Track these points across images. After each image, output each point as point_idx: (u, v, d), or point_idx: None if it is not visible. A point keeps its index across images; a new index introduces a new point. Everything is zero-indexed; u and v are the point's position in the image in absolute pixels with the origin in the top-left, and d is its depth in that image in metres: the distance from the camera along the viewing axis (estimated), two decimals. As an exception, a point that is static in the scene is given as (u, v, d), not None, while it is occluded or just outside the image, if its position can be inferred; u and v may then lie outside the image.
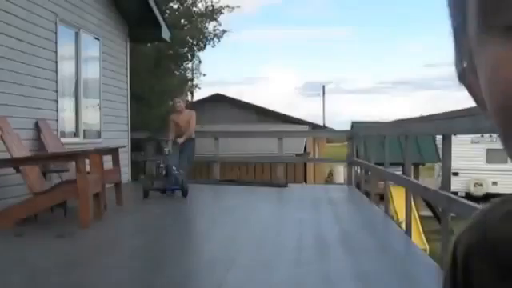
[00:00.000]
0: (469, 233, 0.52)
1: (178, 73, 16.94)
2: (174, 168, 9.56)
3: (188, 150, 10.05)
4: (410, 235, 6.61)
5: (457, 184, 18.43)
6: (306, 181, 18.93)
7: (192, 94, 18.85)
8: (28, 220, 6.79)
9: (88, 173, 6.98)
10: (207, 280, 4.79)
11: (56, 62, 8.96)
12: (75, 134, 9.94)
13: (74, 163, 7.16)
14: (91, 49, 10.57)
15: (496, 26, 0.39)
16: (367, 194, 10.40)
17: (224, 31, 16.52)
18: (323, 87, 43.81)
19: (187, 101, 10.28)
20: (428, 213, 18.42)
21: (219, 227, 7.34)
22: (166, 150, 9.96)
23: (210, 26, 16.50)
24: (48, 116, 8.67)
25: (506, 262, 0.47)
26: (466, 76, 0.45)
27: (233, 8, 16.85)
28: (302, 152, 19.69)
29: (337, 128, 23.99)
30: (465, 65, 0.46)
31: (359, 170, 12.38)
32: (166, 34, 12.29)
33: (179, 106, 10.06)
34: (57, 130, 8.97)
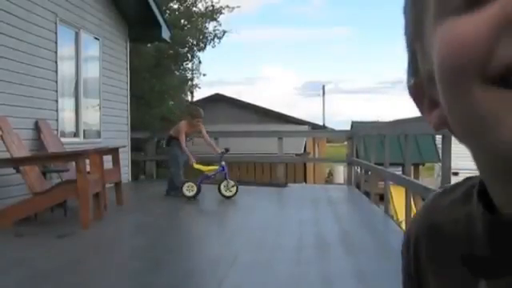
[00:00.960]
0: (420, 218, 0.60)
1: (177, 73, 16.93)
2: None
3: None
4: (409, 235, 6.60)
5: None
6: (305, 181, 18.94)
7: (192, 93, 18.84)
8: (28, 220, 6.79)
9: (88, 173, 6.99)
10: (207, 280, 4.79)
11: (56, 62, 8.96)
12: (75, 134, 9.94)
13: (74, 163, 7.16)
14: (91, 49, 10.58)
15: (453, 6, 0.43)
16: (367, 193, 10.41)
17: (224, 31, 16.52)
18: (323, 87, 43.73)
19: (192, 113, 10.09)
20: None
21: (219, 227, 7.34)
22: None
23: (210, 26, 16.51)
24: (48, 116, 8.67)
25: (446, 247, 0.54)
26: (415, 88, 0.52)
27: (233, 8, 16.85)
28: (302, 152, 19.70)
29: (336, 128, 24.01)
30: (413, 80, 0.51)
31: (359, 170, 12.39)
32: (165, 33, 12.29)
33: (198, 126, 10.04)
34: (57, 129, 8.97)
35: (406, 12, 0.52)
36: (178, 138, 9.85)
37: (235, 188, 9.62)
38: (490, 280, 0.49)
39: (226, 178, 9.71)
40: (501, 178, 0.47)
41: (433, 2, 0.46)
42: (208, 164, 10.18)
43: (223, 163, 9.87)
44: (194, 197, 9.47)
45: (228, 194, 9.61)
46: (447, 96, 0.45)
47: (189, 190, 9.53)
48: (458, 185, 0.59)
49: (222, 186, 9.66)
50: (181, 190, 9.61)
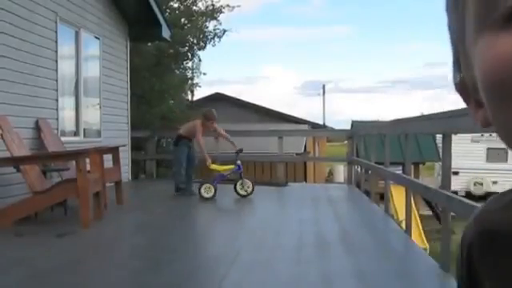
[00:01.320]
0: (472, 224, 0.57)
1: (178, 72, 16.94)
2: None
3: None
4: (409, 234, 6.61)
5: (457, 183, 18.43)
6: (306, 180, 18.95)
7: (192, 92, 18.85)
8: (28, 219, 6.79)
9: (88, 172, 6.98)
10: (208, 279, 4.80)
11: (56, 61, 8.96)
12: (75, 133, 9.94)
13: (74, 162, 7.16)
14: (91, 48, 10.57)
15: (491, 21, 0.43)
16: (367, 193, 10.41)
17: (224, 30, 16.53)
18: (323, 86, 43.80)
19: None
20: (428, 212, 18.43)
21: (219, 226, 7.35)
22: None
23: (211, 25, 16.51)
24: (48, 115, 8.67)
25: (502, 250, 0.52)
26: (461, 86, 0.51)
27: (233, 7, 16.86)
28: (302, 151, 19.71)
29: (337, 127, 24.01)
30: (459, 76, 0.51)
31: (359, 169, 12.39)
32: (166, 33, 12.29)
33: (212, 127, 10.05)
34: (57, 128, 8.97)
35: (448, 11, 0.52)
36: (188, 138, 9.83)
37: (251, 187, 9.62)
38: None
39: (241, 177, 9.70)
40: None
41: (472, 14, 0.46)
42: (222, 163, 10.21)
43: (239, 162, 9.87)
44: (212, 197, 9.40)
45: (244, 193, 9.60)
46: (491, 107, 0.46)
47: (206, 191, 9.47)
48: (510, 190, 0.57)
49: (237, 185, 9.65)
50: (187, 189, 9.66)
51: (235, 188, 9.61)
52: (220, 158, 11.00)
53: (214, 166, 9.92)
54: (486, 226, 0.55)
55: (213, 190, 9.45)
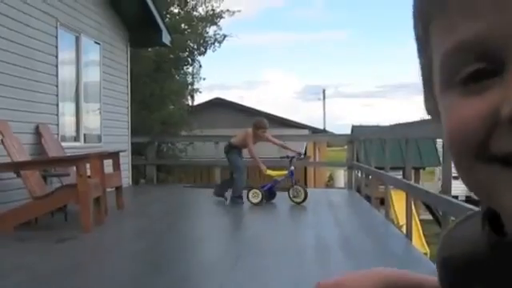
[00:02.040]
0: (439, 249, 0.63)
1: (178, 77, 16.96)
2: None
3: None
4: (410, 239, 6.60)
5: (457, 188, 18.41)
6: (306, 185, 18.91)
7: (192, 98, 18.87)
8: (28, 224, 6.79)
9: (89, 177, 6.99)
10: (207, 284, 4.79)
11: (56, 67, 8.98)
12: (76, 139, 9.94)
13: (74, 167, 7.16)
14: (92, 53, 10.59)
15: (453, 83, 0.48)
16: (368, 197, 10.40)
17: (225, 36, 16.56)
18: (323, 91, 43.83)
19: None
20: (428, 216, 18.41)
21: (219, 230, 7.34)
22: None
23: (211, 30, 16.54)
24: (48, 120, 8.68)
25: (457, 276, 0.58)
26: (432, 112, 0.55)
27: (233, 12, 16.90)
28: (303, 156, 19.68)
29: (337, 132, 24.01)
30: (430, 104, 0.55)
31: (359, 174, 12.38)
32: (166, 38, 12.31)
33: (263, 136, 9.78)
34: (57, 134, 8.98)
35: (418, 51, 0.55)
36: (238, 148, 9.73)
37: (303, 194, 9.38)
38: None
39: (293, 184, 9.52)
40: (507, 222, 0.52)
41: (438, 72, 0.50)
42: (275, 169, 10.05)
43: (292, 168, 9.68)
44: (259, 203, 9.29)
45: (297, 200, 9.36)
46: (455, 161, 0.51)
47: (254, 196, 9.37)
48: (472, 215, 0.62)
49: (290, 192, 9.47)
50: (220, 194, 9.63)
51: (289, 195, 9.41)
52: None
53: (269, 172, 9.79)
54: (446, 254, 0.61)
55: (260, 196, 9.33)
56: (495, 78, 0.45)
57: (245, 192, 9.47)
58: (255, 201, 9.32)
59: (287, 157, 9.90)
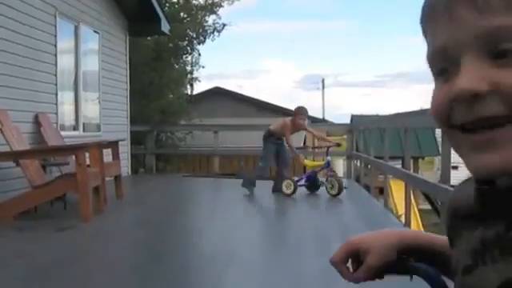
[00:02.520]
0: (448, 199, 0.83)
1: (177, 66, 16.93)
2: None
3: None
4: (409, 228, 6.62)
5: (456, 177, 18.41)
6: (304, 171, 18.91)
7: (192, 87, 18.84)
8: (28, 213, 6.80)
9: (88, 166, 6.99)
10: (207, 273, 4.80)
11: (55, 56, 8.96)
12: (75, 128, 9.94)
13: (73, 156, 7.16)
14: (91, 42, 10.56)
15: (434, 75, 0.68)
16: (367, 187, 10.42)
17: (224, 25, 16.51)
18: (323, 80, 43.70)
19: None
20: (427, 206, 18.45)
21: (219, 221, 7.35)
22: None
23: (210, 19, 16.49)
24: (48, 109, 8.67)
25: (459, 222, 0.76)
26: None
27: (233, 1, 16.84)
28: (302, 145, 19.68)
29: (336, 121, 23.98)
30: None
31: (359, 164, 12.40)
32: (165, 27, 12.27)
33: (301, 125, 9.55)
34: (56, 123, 8.97)
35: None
36: (276, 136, 9.52)
37: (337, 186, 9.04)
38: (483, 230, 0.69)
39: (329, 175, 9.30)
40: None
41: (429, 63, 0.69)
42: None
43: (329, 158, 9.50)
44: (291, 194, 9.14)
45: (332, 192, 9.07)
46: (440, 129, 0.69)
47: (287, 187, 9.23)
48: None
49: (327, 185, 9.20)
50: (275, 187, 9.46)
51: (326, 187, 9.19)
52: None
53: (306, 162, 9.67)
54: (452, 203, 0.80)
55: (292, 187, 9.15)
56: (454, 70, 0.64)
57: (266, 183, 9.42)
58: (288, 192, 9.16)
59: (327, 147, 9.75)
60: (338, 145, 9.84)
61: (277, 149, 9.54)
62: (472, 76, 0.62)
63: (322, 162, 9.56)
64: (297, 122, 9.39)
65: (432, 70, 0.68)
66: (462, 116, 0.64)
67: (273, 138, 9.53)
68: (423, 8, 0.69)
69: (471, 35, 0.62)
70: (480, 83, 0.61)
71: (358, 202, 9.27)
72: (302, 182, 9.50)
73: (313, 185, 9.47)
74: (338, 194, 9.00)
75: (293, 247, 5.67)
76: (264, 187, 10.67)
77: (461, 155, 0.66)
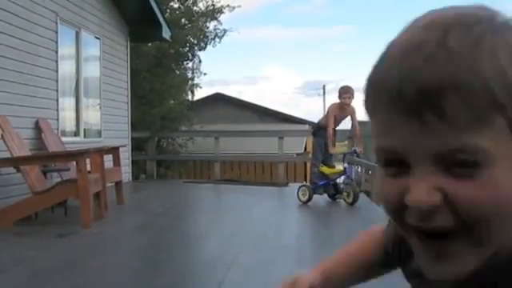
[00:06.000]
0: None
1: (178, 72, 16.93)
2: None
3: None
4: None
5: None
6: (306, 180, 18.91)
7: (193, 93, 18.84)
8: (28, 219, 6.79)
9: (89, 172, 6.98)
10: (208, 279, 4.79)
11: (57, 62, 8.96)
12: (76, 134, 9.94)
13: (74, 162, 7.16)
14: (92, 48, 10.57)
15: (380, 164, 0.66)
16: (368, 193, 10.40)
17: (225, 31, 16.52)
18: (324, 86, 43.71)
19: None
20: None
21: (220, 226, 7.34)
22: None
23: (211, 25, 16.50)
24: (48, 115, 8.67)
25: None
26: None
27: (233, 7, 16.85)
28: (303, 151, 19.70)
29: (337, 127, 23.97)
30: None
31: (360, 169, 12.38)
32: (166, 33, 12.29)
33: (348, 109, 8.80)
34: (57, 129, 8.97)
35: None
36: (325, 128, 8.77)
37: (352, 195, 8.58)
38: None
39: (345, 184, 8.85)
40: None
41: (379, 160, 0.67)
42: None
43: (346, 165, 8.96)
44: (307, 202, 8.78)
45: (348, 200, 8.65)
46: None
47: (303, 194, 8.88)
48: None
49: (344, 192, 8.76)
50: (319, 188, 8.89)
51: (342, 195, 8.79)
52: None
53: (323, 169, 8.91)
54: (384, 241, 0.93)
55: (307, 195, 8.79)
56: (403, 168, 0.62)
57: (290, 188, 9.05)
58: (303, 199, 8.81)
59: (344, 154, 9.22)
60: (355, 152, 9.28)
61: (325, 143, 8.86)
62: (428, 186, 0.60)
63: (340, 170, 9.04)
64: (343, 104, 8.68)
65: (377, 157, 0.66)
66: (416, 222, 0.62)
67: (322, 131, 8.84)
68: (376, 91, 0.63)
69: (435, 146, 0.59)
70: (434, 194, 0.60)
71: (359, 207, 9.23)
72: (319, 189, 9.00)
73: (333, 192, 8.99)
74: (354, 202, 8.58)
75: (293, 253, 5.66)
76: (260, 191, 10.65)
77: (418, 258, 0.65)
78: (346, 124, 9.38)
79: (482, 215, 0.59)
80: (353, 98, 8.71)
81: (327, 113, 8.92)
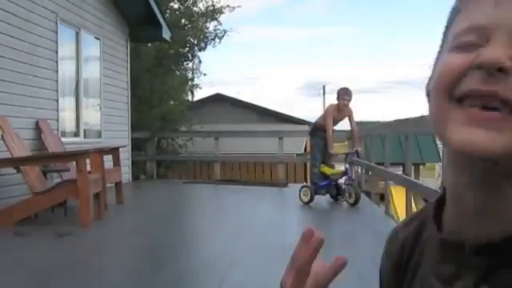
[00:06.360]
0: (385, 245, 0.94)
1: (178, 73, 16.93)
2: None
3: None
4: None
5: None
6: (306, 181, 18.92)
7: (193, 93, 18.85)
8: (28, 220, 6.80)
9: (89, 172, 6.99)
10: (208, 279, 4.79)
11: (57, 62, 8.97)
12: (76, 134, 9.94)
13: (74, 163, 7.16)
14: (92, 48, 10.58)
15: (452, 48, 0.67)
16: (368, 193, 10.40)
17: (225, 31, 16.51)
18: (323, 87, 43.70)
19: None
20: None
21: (219, 227, 7.34)
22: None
23: (211, 25, 16.50)
24: (48, 116, 8.67)
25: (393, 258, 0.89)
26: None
27: (233, 8, 16.85)
28: (303, 152, 19.70)
29: (337, 128, 24.00)
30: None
31: (359, 170, 12.39)
32: (166, 33, 12.29)
33: (345, 110, 8.88)
34: (57, 129, 8.97)
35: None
36: (323, 128, 8.83)
37: (354, 196, 8.59)
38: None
39: (347, 184, 8.82)
40: (452, 170, 0.69)
41: (446, 41, 0.70)
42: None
43: (347, 166, 8.94)
44: (308, 203, 8.78)
45: (349, 201, 8.66)
46: (432, 104, 0.68)
47: (304, 194, 8.87)
48: (413, 218, 0.85)
49: (345, 193, 8.78)
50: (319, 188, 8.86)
51: (344, 196, 8.81)
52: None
53: (324, 169, 8.92)
54: (390, 253, 0.93)
55: (309, 195, 8.77)
56: (480, 47, 0.64)
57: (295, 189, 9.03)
58: (305, 199, 8.80)
59: (346, 154, 9.21)
60: (357, 152, 9.37)
61: (324, 143, 8.90)
62: (503, 51, 0.62)
63: (341, 170, 9.01)
64: (341, 106, 8.75)
65: (448, 44, 0.68)
66: (475, 84, 0.62)
67: (319, 131, 8.92)
68: None
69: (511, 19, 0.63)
70: (508, 60, 0.61)
71: (358, 208, 9.24)
72: (321, 190, 8.97)
73: (335, 192, 8.98)
74: (355, 203, 8.58)
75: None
76: (260, 192, 10.66)
77: (442, 130, 0.65)
78: (346, 124, 9.41)
79: None
80: (351, 99, 8.83)
81: (325, 114, 8.97)
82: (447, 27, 0.72)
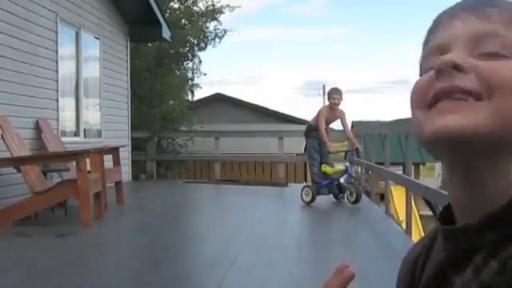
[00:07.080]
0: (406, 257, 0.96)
1: (178, 72, 16.93)
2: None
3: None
4: (410, 235, 6.61)
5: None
6: (306, 180, 18.93)
7: (193, 93, 18.84)
8: (28, 219, 6.80)
9: (89, 172, 6.98)
10: (208, 279, 4.79)
11: (56, 62, 8.96)
12: (76, 134, 9.94)
13: (74, 162, 7.16)
14: (92, 48, 10.57)
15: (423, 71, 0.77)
16: (368, 193, 10.41)
17: (225, 31, 16.51)
18: (323, 86, 43.67)
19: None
20: (429, 212, 18.42)
21: (220, 226, 7.34)
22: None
23: (211, 25, 16.49)
24: (49, 115, 8.67)
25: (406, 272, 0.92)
26: None
27: (234, 8, 16.85)
28: (303, 151, 19.68)
29: (337, 128, 24.00)
30: None
31: (359, 170, 12.39)
32: (166, 33, 12.29)
33: (337, 110, 8.94)
34: (57, 129, 8.97)
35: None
36: (316, 128, 8.87)
37: (355, 195, 8.59)
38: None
39: (347, 182, 8.82)
40: (443, 165, 0.76)
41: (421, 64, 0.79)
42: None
43: (348, 164, 8.97)
44: (310, 203, 8.75)
45: (350, 199, 8.69)
46: (412, 115, 0.75)
47: (306, 194, 8.83)
48: (428, 233, 0.88)
49: (346, 192, 8.81)
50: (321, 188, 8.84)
51: (345, 195, 8.83)
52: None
53: (325, 168, 8.89)
54: (409, 267, 0.91)
55: (310, 195, 8.75)
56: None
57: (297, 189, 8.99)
58: (307, 199, 8.77)
59: (346, 152, 9.19)
60: (357, 150, 9.42)
61: (319, 143, 8.96)
62: (458, 54, 0.71)
63: (342, 169, 8.98)
64: (331, 107, 8.83)
65: (421, 69, 0.77)
66: (446, 82, 0.69)
67: (314, 132, 8.96)
68: (434, 21, 0.80)
69: (465, 33, 0.73)
70: (462, 61, 0.70)
71: (358, 208, 9.24)
72: (324, 190, 8.96)
73: (338, 191, 8.98)
74: (356, 201, 8.59)
75: (292, 253, 5.66)
76: (260, 191, 10.66)
77: (419, 133, 0.71)
78: (340, 126, 9.45)
79: (503, 83, 0.68)
80: (341, 99, 8.91)
81: (318, 114, 9.01)
82: (421, 57, 0.80)
